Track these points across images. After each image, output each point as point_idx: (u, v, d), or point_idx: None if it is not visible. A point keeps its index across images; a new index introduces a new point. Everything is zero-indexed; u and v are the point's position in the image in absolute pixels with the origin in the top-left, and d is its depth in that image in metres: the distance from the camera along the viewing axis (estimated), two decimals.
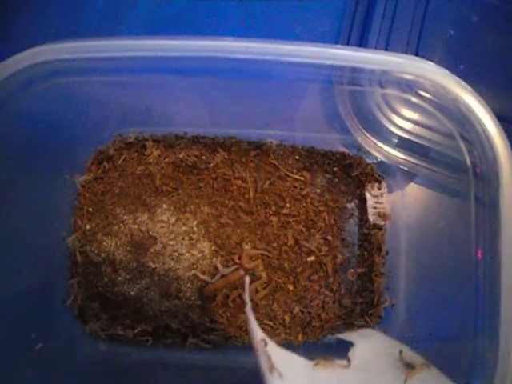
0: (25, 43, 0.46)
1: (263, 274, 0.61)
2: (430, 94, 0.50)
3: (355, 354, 0.49)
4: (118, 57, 0.46)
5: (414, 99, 0.54)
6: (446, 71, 0.47)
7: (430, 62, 0.48)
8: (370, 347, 0.52)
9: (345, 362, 0.48)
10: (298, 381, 0.45)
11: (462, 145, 0.48)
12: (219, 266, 0.61)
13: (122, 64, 0.47)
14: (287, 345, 0.61)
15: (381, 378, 0.48)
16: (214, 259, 0.62)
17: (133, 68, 0.48)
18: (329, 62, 0.47)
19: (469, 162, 0.49)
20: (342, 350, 0.61)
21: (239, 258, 0.62)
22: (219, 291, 0.61)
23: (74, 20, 0.70)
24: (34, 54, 0.46)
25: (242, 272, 0.59)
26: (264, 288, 0.62)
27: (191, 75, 0.51)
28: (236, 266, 0.61)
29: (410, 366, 0.48)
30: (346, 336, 0.53)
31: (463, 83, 0.46)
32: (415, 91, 0.53)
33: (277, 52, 0.45)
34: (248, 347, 0.60)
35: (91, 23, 0.70)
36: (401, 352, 0.50)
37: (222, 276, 0.60)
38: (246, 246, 0.62)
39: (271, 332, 0.62)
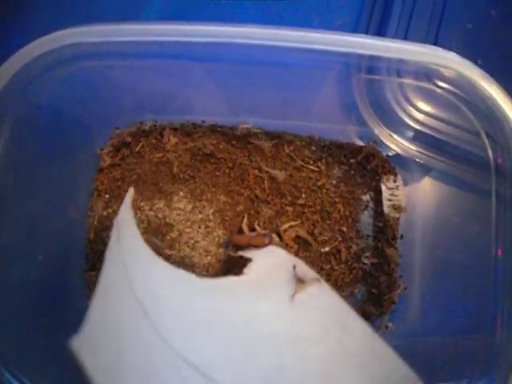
0: (45, 28, 0.46)
1: None
2: (451, 85, 0.50)
3: (251, 268, 0.49)
4: (139, 41, 0.46)
5: (432, 91, 0.54)
6: (471, 63, 0.47)
7: (453, 53, 0.48)
8: (269, 262, 0.51)
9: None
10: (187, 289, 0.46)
11: (485, 140, 0.48)
12: (245, 228, 0.61)
13: (143, 49, 0.48)
14: None
15: (271, 292, 0.48)
16: (229, 247, 0.62)
17: (153, 53, 0.48)
18: (347, 50, 0.46)
19: (491, 158, 0.49)
20: None
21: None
22: (241, 247, 0.59)
23: (92, 7, 0.70)
24: (56, 38, 0.46)
25: (266, 240, 0.57)
26: None
27: (210, 61, 0.51)
28: (265, 232, 0.60)
29: (301, 281, 0.48)
30: (248, 253, 0.52)
31: (490, 77, 0.45)
32: (434, 82, 0.53)
33: (296, 39, 0.45)
34: None
35: (110, 10, 0.70)
36: (294, 267, 0.50)
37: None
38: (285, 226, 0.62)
39: None
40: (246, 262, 0.50)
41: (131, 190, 0.52)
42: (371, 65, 0.56)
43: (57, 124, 0.55)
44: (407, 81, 0.59)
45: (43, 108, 0.52)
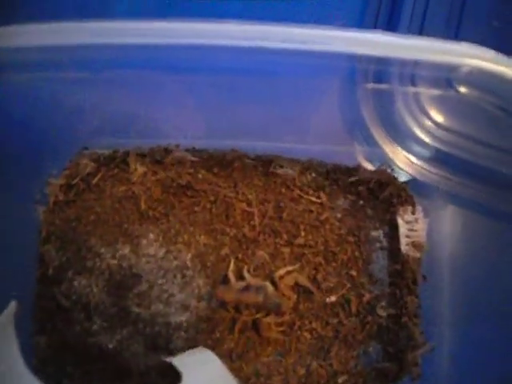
0: None
1: (287, 313, 0.53)
2: (481, 90, 0.43)
3: None
4: (90, 45, 0.38)
5: (456, 99, 0.49)
6: (509, 58, 0.39)
7: (482, 47, 0.40)
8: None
9: None
10: None
11: None
12: (231, 277, 0.52)
13: (95, 55, 0.40)
14: None
15: None
16: (213, 300, 0.53)
17: (108, 61, 0.42)
18: (351, 50, 0.40)
19: None
20: None
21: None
22: (228, 304, 0.53)
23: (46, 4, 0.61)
24: None
25: (260, 297, 0.51)
26: (278, 326, 0.53)
27: (183, 70, 0.45)
28: (258, 283, 0.52)
29: None
30: (179, 362, 0.46)
31: None
32: (457, 89, 0.47)
33: (287, 37, 0.39)
34: None
35: (68, 8, 0.61)
36: None
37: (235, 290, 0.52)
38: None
39: None
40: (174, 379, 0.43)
41: (13, 304, 0.45)
42: (380, 70, 0.51)
43: None
44: (424, 89, 0.53)
45: None
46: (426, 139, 0.55)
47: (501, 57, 0.39)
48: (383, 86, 0.54)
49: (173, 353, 0.51)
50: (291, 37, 0.38)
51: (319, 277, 0.54)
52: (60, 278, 0.53)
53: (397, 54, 0.40)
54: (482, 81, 0.41)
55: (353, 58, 0.42)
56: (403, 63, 0.43)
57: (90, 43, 0.38)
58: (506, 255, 0.54)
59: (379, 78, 0.53)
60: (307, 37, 0.39)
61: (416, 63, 0.42)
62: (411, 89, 0.53)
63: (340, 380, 0.53)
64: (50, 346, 0.52)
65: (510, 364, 0.50)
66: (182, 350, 0.51)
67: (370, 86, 0.54)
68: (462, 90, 0.47)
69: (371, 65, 0.49)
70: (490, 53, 0.39)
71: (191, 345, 0.52)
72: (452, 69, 0.41)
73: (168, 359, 0.47)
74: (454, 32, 0.58)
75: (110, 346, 0.51)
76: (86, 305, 0.52)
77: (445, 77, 0.48)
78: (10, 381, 0.42)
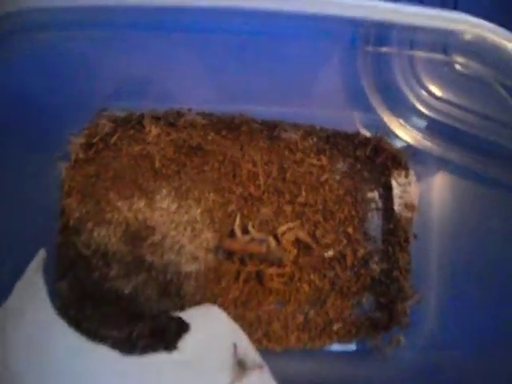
0: None
1: (288, 266, 0.55)
2: (476, 59, 0.43)
3: (187, 342, 0.44)
4: (108, 6, 0.38)
5: (451, 68, 0.49)
6: (504, 30, 0.39)
7: (478, 19, 0.40)
8: (206, 336, 0.46)
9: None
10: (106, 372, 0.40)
11: None
12: (237, 231, 0.54)
13: (113, 16, 0.40)
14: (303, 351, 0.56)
15: (205, 379, 0.43)
16: (220, 252, 0.55)
17: (127, 22, 0.41)
18: (354, 14, 0.40)
19: None
20: (368, 357, 0.56)
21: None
22: (234, 255, 0.55)
23: None
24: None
25: (263, 248, 0.53)
26: (279, 277, 0.55)
27: (196, 32, 0.44)
28: (261, 236, 0.54)
29: (241, 365, 0.44)
30: (187, 315, 0.48)
31: None
32: (453, 57, 0.46)
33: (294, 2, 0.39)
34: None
35: None
36: (235, 346, 0.45)
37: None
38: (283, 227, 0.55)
39: (280, 336, 0.56)
40: (181, 330, 0.45)
41: (42, 252, 0.46)
42: (381, 34, 0.49)
43: (17, 116, 0.47)
44: (421, 53, 0.52)
45: None
46: (422, 108, 0.56)
47: (496, 28, 0.40)
48: (382, 50, 0.52)
49: (183, 299, 0.54)
50: (299, 2, 0.39)
51: (318, 233, 0.56)
52: (80, 229, 0.54)
53: (396, 20, 0.40)
54: (478, 52, 0.41)
55: (356, 23, 0.41)
56: (403, 28, 0.42)
57: (110, 5, 0.38)
58: (491, 218, 0.55)
59: (379, 41, 0.51)
60: (314, 1, 0.39)
61: (415, 28, 0.41)
62: (408, 53, 0.53)
63: (335, 327, 0.56)
64: (72, 291, 0.54)
65: (490, 316, 0.52)
66: (192, 296, 0.54)
67: (370, 49, 0.52)
68: (458, 60, 0.46)
69: (372, 30, 0.48)
70: (485, 24, 0.40)
71: (200, 292, 0.54)
72: (448, 38, 0.41)
73: (177, 313, 0.49)
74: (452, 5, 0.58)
75: (126, 291, 0.53)
76: (105, 253, 0.54)
77: (441, 48, 0.47)
78: (39, 323, 0.43)
